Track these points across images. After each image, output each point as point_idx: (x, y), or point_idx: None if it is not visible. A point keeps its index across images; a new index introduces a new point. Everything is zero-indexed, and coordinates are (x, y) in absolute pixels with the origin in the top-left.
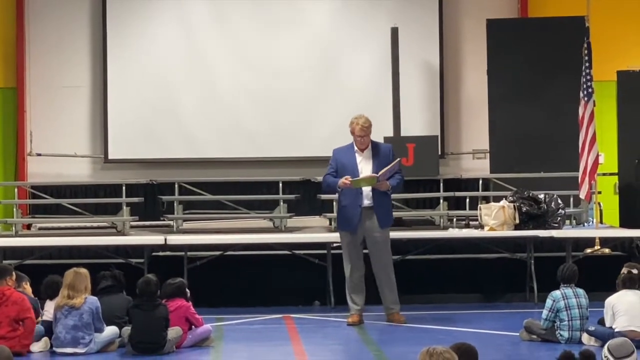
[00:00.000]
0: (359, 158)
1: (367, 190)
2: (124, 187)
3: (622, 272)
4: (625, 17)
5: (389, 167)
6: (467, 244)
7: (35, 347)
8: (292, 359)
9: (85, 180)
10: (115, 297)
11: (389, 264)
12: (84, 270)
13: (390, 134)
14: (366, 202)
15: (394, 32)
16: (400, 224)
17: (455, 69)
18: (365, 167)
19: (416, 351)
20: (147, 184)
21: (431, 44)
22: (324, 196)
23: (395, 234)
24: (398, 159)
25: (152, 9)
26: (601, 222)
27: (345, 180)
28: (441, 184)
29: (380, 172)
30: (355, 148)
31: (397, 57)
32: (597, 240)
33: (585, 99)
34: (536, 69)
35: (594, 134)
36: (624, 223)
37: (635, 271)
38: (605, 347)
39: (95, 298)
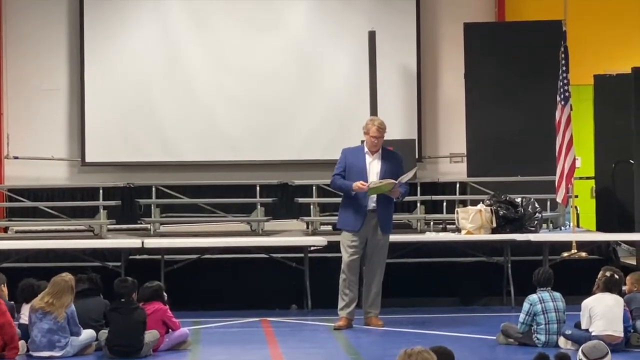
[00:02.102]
0: (368, 159)
1: None
2: (101, 190)
3: (602, 275)
4: (602, 21)
5: (407, 174)
6: (444, 248)
7: None
8: None
9: (63, 184)
10: (92, 300)
11: (383, 269)
12: (72, 284)
13: None
14: (372, 205)
15: (372, 35)
16: None
17: (432, 72)
18: (374, 169)
19: (393, 354)
20: (124, 187)
21: (408, 47)
22: (301, 200)
23: None
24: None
25: (130, 12)
26: (578, 226)
27: (360, 185)
28: (418, 188)
29: (399, 179)
30: (366, 150)
31: (375, 60)
32: (574, 244)
33: (562, 102)
34: (513, 73)
35: (571, 138)
36: (601, 227)
37: (617, 276)
38: (580, 350)
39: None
